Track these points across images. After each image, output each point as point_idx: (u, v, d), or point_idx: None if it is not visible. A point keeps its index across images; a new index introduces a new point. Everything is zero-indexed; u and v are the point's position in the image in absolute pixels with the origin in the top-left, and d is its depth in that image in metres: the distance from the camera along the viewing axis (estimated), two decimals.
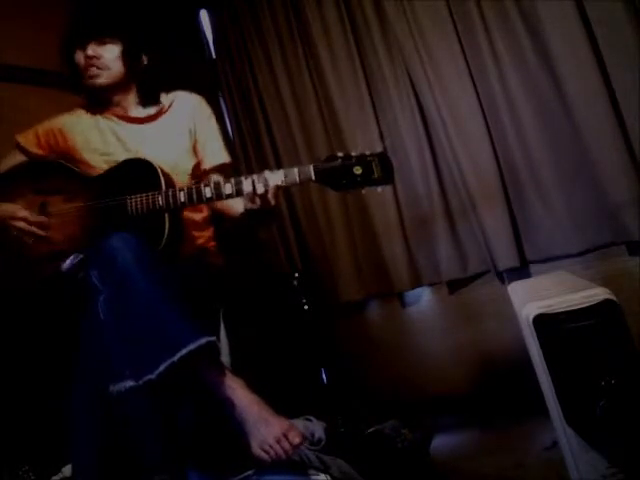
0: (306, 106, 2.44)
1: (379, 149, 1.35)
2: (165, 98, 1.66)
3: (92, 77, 1.53)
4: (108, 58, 1.53)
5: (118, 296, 1.17)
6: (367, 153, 1.31)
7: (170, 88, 1.68)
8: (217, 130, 1.68)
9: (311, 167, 1.32)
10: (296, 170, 1.33)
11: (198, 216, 1.61)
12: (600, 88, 1.78)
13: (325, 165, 1.32)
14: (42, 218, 1.44)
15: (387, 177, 1.31)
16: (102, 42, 1.53)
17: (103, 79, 1.54)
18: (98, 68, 1.52)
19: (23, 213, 1.43)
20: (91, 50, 1.52)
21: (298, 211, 2.53)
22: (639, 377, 1.09)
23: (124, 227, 1.28)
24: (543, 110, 1.93)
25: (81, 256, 1.31)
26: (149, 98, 1.63)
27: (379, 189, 1.32)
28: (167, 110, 1.63)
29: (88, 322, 1.19)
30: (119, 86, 1.58)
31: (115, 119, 1.60)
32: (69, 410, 1.18)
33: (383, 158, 1.31)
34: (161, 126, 1.61)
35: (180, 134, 1.60)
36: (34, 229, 1.42)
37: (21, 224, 1.41)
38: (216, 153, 1.65)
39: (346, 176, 1.30)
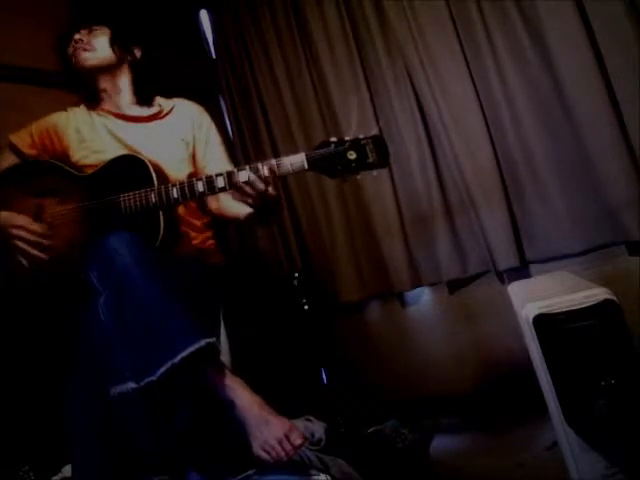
0: (306, 106, 2.44)
1: (373, 132, 1.31)
2: (165, 103, 1.65)
3: (79, 58, 1.55)
4: (95, 41, 1.57)
5: (118, 297, 1.16)
6: (360, 137, 1.29)
7: (170, 89, 1.67)
8: (219, 139, 1.67)
9: (303, 154, 1.30)
10: (288, 159, 1.31)
11: (198, 222, 1.61)
12: (600, 88, 1.78)
13: (318, 152, 1.29)
14: (42, 226, 1.41)
15: (382, 160, 1.28)
16: (89, 30, 1.57)
17: (89, 60, 1.55)
18: (85, 50, 1.55)
19: (22, 221, 1.40)
20: (78, 35, 1.56)
21: (298, 211, 2.53)
22: (639, 377, 1.09)
23: (119, 226, 1.27)
24: (543, 110, 1.93)
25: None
26: (145, 96, 1.62)
27: (374, 172, 1.30)
28: (166, 115, 1.63)
29: (88, 323, 1.19)
30: (107, 71, 1.58)
31: (110, 116, 1.59)
32: (69, 411, 1.18)
33: (377, 141, 1.29)
34: (158, 129, 1.60)
35: (176, 142, 1.59)
36: (35, 238, 1.39)
37: (21, 232, 1.39)
38: (218, 163, 1.61)
39: (340, 162, 1.28)
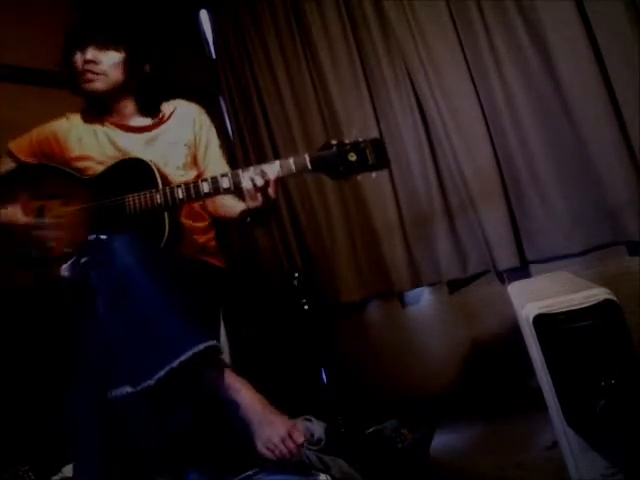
0: (306, 106, 2.44)
1: (372, 135, 1.34)
2: (165, 106, 1.63)
3: (88, 82, 1.49)
4: (107, 64, 1.49)
5: (118, 299, 1.16)
6: (360, 140, 1.32)
7: (170, 91, 1.66)
8: (218, 142, 1.67)
9: (306, 156, 1.33)
10: (292, 160, 1.34)
11: (200, 224, 1.61)
12: (600, 88, 1.79)
13: (320, 153, 1.33)
14: (42, 222, 1.41)
15: (381, 162, 1.32)
16: (104, 47, 1.50)
17: (99, 85, 1.50)
18: (95, 73, 1.48)
19: (23, 218, 1.40)
20: (90, 54, 1.48)
21: (298, 211, 2.53)
22: (639, 377, 1.10)
23: (124, 228, 1.27)
24: (543, 110, 1.93)
25: (82, 259, 1.28)
26: (149, 106, 1.60)
27: (374, 174, 1.33)
28: (167, 119, 1.61)
29: (88, 324, 1.18)
30: (116, 93, 1.54)
31: (113, 127, 1.58)
32: (70, 411, 1.18)
33: (376, 144, 1.32)
34: (160, 136, 1.59)
35: (179, 147, 1.58)
36: (36, 233, 1.39)
37: (22, 230, 1.39)
38: (217, 166, 1.62)
39: (342, 163, 1.31)
